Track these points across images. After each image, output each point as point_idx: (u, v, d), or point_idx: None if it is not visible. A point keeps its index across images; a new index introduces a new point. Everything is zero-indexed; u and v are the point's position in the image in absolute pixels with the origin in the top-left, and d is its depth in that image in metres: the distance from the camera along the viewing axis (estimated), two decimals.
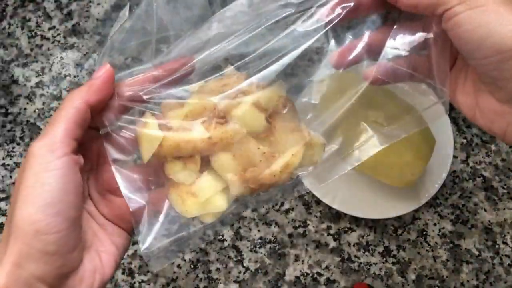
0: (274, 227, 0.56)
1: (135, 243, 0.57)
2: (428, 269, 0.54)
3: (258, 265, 0.55)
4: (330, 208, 0.56)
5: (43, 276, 0.30)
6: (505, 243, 0.55)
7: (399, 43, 0.33)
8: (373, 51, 0.35)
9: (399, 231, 0.56)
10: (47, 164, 0.30)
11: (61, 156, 0.30)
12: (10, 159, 0.60)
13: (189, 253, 0.56)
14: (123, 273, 0.55)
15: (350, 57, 0.34)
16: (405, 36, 0.33)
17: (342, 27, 0.34)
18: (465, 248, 0.55)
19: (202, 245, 0.56)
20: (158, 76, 0.33)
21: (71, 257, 0.31)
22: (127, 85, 0.33)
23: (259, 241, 0.56)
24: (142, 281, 0.55)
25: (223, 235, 0.56)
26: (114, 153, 0.35)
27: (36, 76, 0.64)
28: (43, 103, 0.62)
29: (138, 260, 0.56)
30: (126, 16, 0.39)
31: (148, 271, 0.56)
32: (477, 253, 0.54)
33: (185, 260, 0.56)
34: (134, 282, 0.55)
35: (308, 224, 0.56)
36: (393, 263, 0.55)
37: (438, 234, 0.55)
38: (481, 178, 0.57)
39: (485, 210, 0.56)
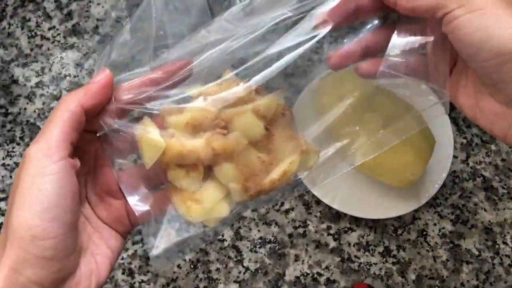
0: (274, 227, 0.56)
1: (135, 243, 0.57)
2: (428, 269, 0.54)
3: (258, 265, 0.55)
4: (330, 208, 0.56)
5: (40, 281, 0.30)
6: (505, 243, 0.55)
7: (398, 45, 0.33)
8: (371, 53, 0.35)
9: (399, 231, 0.56)
10: (44, 169, 0.30)
11: (57, 160, 0.30)
12: (10, 159, 0.60)
13: (189, 253, 0.56)
14: (123, 273, 0.56)
15: (347, 59, 0.35)
16: (404, 38, 0.33)
17: (340, 28, 0.34)
18: (465, 248, 0.55)
19: (202, 245, 0.56)
20: (156, 79, 0.33)
21: (68, 262, 0.31)
22: (125, 88, 0.33)
23: (259, 241, 0.56)
24: (142, 281, 0.55)
25: (223, 235, 0.56)
26: (113, 155, 0.35)
27: (36, 76, 0.64)
28: (43, 103, 0.62)
29: (138, 260, 0.56)
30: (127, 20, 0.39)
31: (148, 271, 0.56)
32: (477, 253, 0.54)
33: (185, 260, 0.56)
34: (134, 282, 0.55)
35: (308, 224, 0.56)
36: (393, 263, 0.55)
37: (438, 234, 0.55)
38: (481, 178, 0.57)
39: (485, 210, 0.56)
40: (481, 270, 0.54)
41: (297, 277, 0.55)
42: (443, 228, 0.56)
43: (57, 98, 0.62)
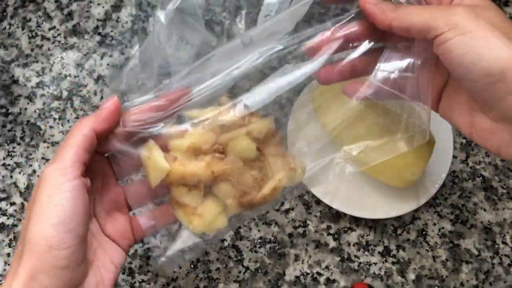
0: (274, 227, 0.57)
1: (135, 243, 0.57)
2: (428, 269, 0.54)
3: (258, 265, 0.55)
4: (330, 208, 0.56)
5: None
6: (504, 243, 0.55)
7: (386, 66, 0.36)
8: (360, 72, 0.37)
9: (399, 231, 0.56)
10: (60, 186, 0.33)
11: (72, 179, 0.34)
12: (11, 159, 0.60)
13: (194, 257, 0.56)
14: (123, 273, 0.56)
15: (336, 76, 0.37)
16: (392, 59, 0.36)
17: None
18: (465, 248, 0.55)
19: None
20: (159, 106, 0.36)
21: (79, 271, 0.34)
22: (132, 113, 0.36)
23: (259, 241, 0.56)
24: (142, 280, 0.55)
25: None
26: (121, 174, 0.39)
27: (37, 76, 0.64)
28: (44, 103, 0.62)
29: (138, 260, 0.56)
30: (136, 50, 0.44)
31: (148, 271, 0.56)
32: (476, 253, 0.55)
33: (184, 257, 0.56)
34: (134, 282, 0.55)
35: (308, 224, 0.56)
36: (393, 263, 0.55)
37: (437, 234, 0.55)
38: (481, 178, 0.57)
39: (485, 210, 0.56)
40: (481, 270, 0.54)
41: (297, 277, 0.55)
42: (443, 228, 0.56)
43: (57, 98, 0.63)
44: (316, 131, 0.41)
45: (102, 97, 0.62)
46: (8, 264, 0.57)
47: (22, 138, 0.61)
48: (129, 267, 0.56)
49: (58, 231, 0.32)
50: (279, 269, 0.55)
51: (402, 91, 0.35)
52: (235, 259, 0.56)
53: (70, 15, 0.66)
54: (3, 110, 0.63)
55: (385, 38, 0.36)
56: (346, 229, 0.56)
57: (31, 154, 0.61)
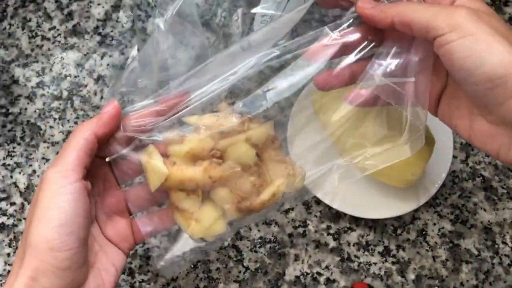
0: (274, 226, 0.57)
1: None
2: (428, 269, 0.54)
3: (258, 265, 0.55)
4: (330, 208, 0.56)
5: None
6: (504, 242, 0.55)
7: (383, 70, 0.36)
8: (357, 77, 0.37)
9: (399, 231, 0.56)
10: (61, 189, 0.34)
11: (73, 182, 0.34)
12: (11, 159, 0.61)
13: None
14: (123, 273, 0.56)
15: (334, 80, 0.37)
16: (389, 63, 0.36)
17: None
18: (465, 248, 0.55)
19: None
20: (159, 111, 0.36)
21: (80, 273, 0.35)
22: (132, 118, 0.37)
23: (259, 240, 0.56)
24: (143, 280, 0.55)
25: None
26: (121, 178, 0.39)
27: (37, 76, 0.64)
28: (44, 103, 0.63)
29: (138, 259, 0.56)
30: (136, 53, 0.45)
31: (148, 271, 0.56)
32: (476, 252, 0.55)
33: (185, 260, 0.56)
34: (135, 282, 0.55)
35: (308, 224, 0.56)
36: (393, 263, 0.55)
37: (437, 234, 0.55)
38: (481, 178, 0.57)
39: (485, 210, 0.56)
40: (481, 269, 0.54)
41: (297, 277, 0.55)
42: (443, 228, 0.56)
43: (57, 98, 0.63)
44: (316, 134, 0.41)
45: (102, 97, 0.62)
46: (8, 264, 0.57)
47: (22, 138, 0.61)
48: (129, 267, 0.56)
49: (59, 234, 0.33)
50: (279, 269, 0.55)
51: (400, 95, 0.35)
52: (235, 259, 0.56)
53: (70, 15, 0.66)
54: (3, 110, 0.63)
55: (384, 43, 0.36)
56: (346, 229, 0.56)
57: (31, 154, 0.61)
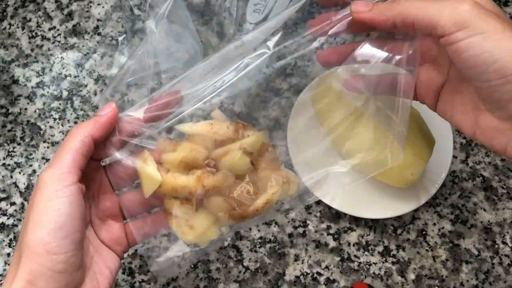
0: (274, 226, 0.57)
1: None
2: (428, 269, 0.54)
3: (258, 265, 0.55)
4: (330, 208, 0.56)
5: None
6: (504, 242, 0.55)
7: (379, 55, 0.36)
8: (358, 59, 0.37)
9: (399, 231, 0.56)
10: (57, 192, 0.33)
11: (69, 185, 0.34)
12: (11, 159, 0.61)
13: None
14: (123, 273, 0.56)
15: (336, 56, 0.38)
16: (386, 49, 0.36)
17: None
18: (465, 248, 0.55)
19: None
20: (153, 116, 0.37)
21: (76, 276, 0.34)
22: (127, 122, 0.37)
23: (259, 240, 0.56)
24: (143, 280, 0.55)
25: None
26: (116, 182, 0.39)
27: (37, 76, 0.64)
28: (44, 103, 0.63)
29: (138, 259, 0.56)
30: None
31: (148, 271, 0.56)
32: (476, 252, 0.55)
33: (185, 260, 0.56)
34: (135, 282, 0.55)
35: (308, 224, 0.56)
36: (393, 263, 0.55)
37: (437, 234, 0.55)
38: (481, 178, 0.57)
39: (485, 210, 0.56)
40: (481, 269, 0.54)
41: (297, 277, 0.55)
42: (443, 228, 0.56)
43: (57, 98, 0.63)
44: (316, 136, 0.41)
45: None
46: (8, 264, 0.57)
47: (22, 138, 0.61)
48: (129, 267, 0.56)
49: (55, 237, 0.33)
50: (279, 269, 0.55)
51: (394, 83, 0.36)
52: (235, 259, 0.56)
53: (70, 15, 0.66)
54: (3, 110, 0.63)
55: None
56: (346, 229, 0.56)
57: (31, 154, 0.61)
